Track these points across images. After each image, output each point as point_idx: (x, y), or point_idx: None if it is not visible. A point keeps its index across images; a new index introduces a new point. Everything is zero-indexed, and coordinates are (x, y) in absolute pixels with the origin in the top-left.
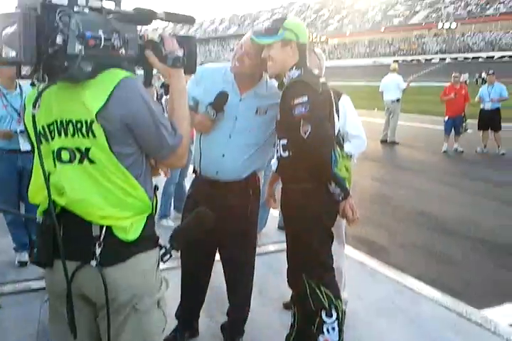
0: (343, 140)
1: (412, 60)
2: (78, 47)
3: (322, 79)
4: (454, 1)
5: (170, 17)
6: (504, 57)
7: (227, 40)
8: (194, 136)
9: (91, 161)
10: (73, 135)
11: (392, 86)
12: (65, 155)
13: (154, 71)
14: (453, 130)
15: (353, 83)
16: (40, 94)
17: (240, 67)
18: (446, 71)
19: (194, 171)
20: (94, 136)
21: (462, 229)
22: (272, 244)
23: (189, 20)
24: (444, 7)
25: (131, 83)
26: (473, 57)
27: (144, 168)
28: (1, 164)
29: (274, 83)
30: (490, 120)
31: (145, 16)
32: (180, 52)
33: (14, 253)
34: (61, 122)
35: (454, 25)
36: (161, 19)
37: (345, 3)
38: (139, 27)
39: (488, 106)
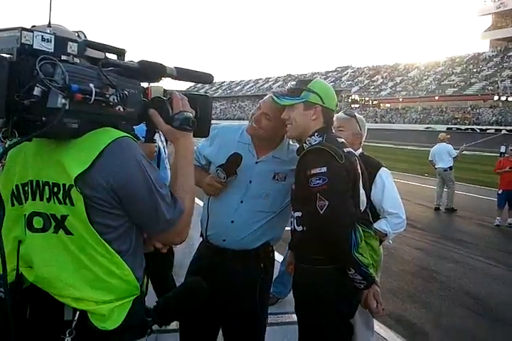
0: (378, 216)
1: (466, 129)
2: (61, 101)
3: (349, 149)
4: (511, 76)
5: (182, 74)
6: None
7: None
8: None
9: (68, 232)
10: (49, 199)
11: (444, 154)
12: (37, 222)
13: None
14: (507, 204)
15: (405, 147)
16: (5, 152)
17: (257, 128)
18: (502, 142)
19: (201, 235)
20: (71, 203)
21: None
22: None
23: (206, 79)
24: (501, 81)
25: (126, 145)
26: None
27: (134, 243)
28: None
29: (296, 147)
30: None
31: (151, 72)
32: (191, 113)
33: None
34: (37, 183)
35: (511, 98)
36: (171, 77)
37: (399, 72)
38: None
39: None
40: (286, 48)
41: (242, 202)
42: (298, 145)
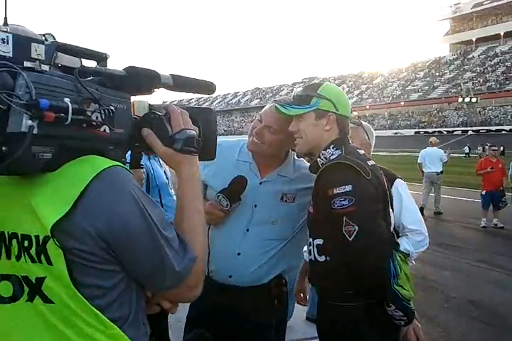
0: (397, 234)
1: (433, 132)
2: (26, 123)
3: (371, 161)
4: (472, 78)
5: (180, 84)
6: None
7: (249, 110)
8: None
9: (46, 299)
10: (18, 257)
11: (436, 159)
12: (5, 289)
13: None
14: (491, 204)
15: (376, 153)
16: None
17: (259, 143)
18: (470, 143)
19: None
20: (49, 261)
21: None
22: None
23: (207, 89)
24: (463, 83)
25: (117, 177)
26: (495, 130)
27: (135, 306)
28: None
29: (303, 163)
30: None
31: (142, 81)
32: (194, 131)
33: None
34: (1, 236)
35: (474, 99)
36: (166, 87)
37: (364, 79)
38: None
39: None
40: (251, 62)
41: (247, 230)
42: (303, 160)
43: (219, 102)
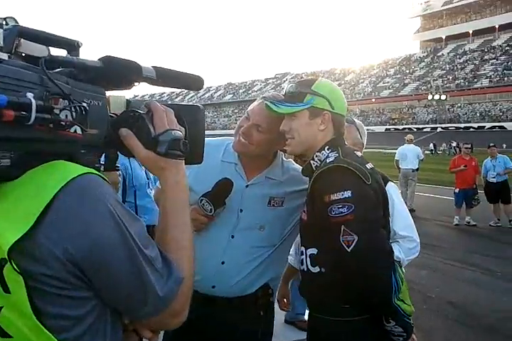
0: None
1: (403, 129)
2: None
3: (370, 164)
4: (442, 75)
5: (164, 77)
6: (495, 127)
7: (222, 106)
8: None
9: (3, 334)
10: None
11: (412, 156)
12: None
13: None
14: (464, 202)
15: None
16: None
17: (246, 143)
18: (438, 140)
19: None
20: (5, 288)
21: (500, 325)
22: None
23: (195, 83)
24: (433, 80)
25: (89, 187)
26: (464, 127)
27: (109, 338)
28: None
29: (292, 165)
30: (498, 193)
31: (121, 73)
32: (180, 132)
33: None
34: None
35: (443, 96)
36: (149, 81)
37: (336, 76)
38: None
39: (494, 179)
40: (224, 57)
41: (232, 236)
42: (292, 161)
43: (191, 97)
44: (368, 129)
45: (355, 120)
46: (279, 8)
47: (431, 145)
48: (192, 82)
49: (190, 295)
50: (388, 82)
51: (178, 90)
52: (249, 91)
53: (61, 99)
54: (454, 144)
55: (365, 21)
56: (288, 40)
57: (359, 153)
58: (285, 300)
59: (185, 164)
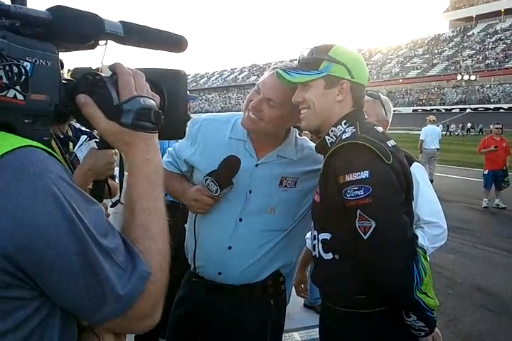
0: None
1: (431, 110)
2: None
3: (392, 141)
4: (472, 55)
5: (134, 35)
6: None
7: (246, 87)
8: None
9: None
10: None
11: (436, 136)
12: None
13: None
14: (493, 184)
15: None
16: None
17: (257, 119)
18: (467, 121)
19: (187, 265)
20: None
21: None
22: (297, 331)
23: (175, 44)
24: (463, 60)
25: (30, 163)
26: (494, 108)
27: None
28: None
29: (307, 142)
30: None
31: (77, 27)
32: (153, 100)
33: None
34: None
35: (473, 77)
36: (115, 39)
37: (363, 56)
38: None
39: None
40: (249, 38)
41: (240, 220)
42: (307, 139)
43: (215, 79)
44: (394, 110)
45: (381, 95)
46: None
47: (441, 126)
48: (169, 42)
49: (161, 294)
50: (416, 62)
51: (202, 72)
52: None
53: None
54: (469, 126)
55: (392, 0)
56: (313, 19)
57: (380, 129)
58: (302, 285)
59: (163, 139)
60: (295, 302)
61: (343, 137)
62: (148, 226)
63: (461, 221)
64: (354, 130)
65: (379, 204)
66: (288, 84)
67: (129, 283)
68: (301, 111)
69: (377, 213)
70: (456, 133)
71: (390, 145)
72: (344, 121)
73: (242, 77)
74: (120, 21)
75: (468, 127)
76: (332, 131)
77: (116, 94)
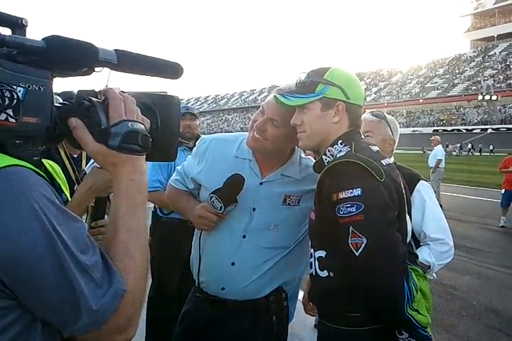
0: (417, 244)
1: (452, 130)
2: None
3: (388, 160)
4: (493, 75)
5: (127, 62)
6: None
7: None
8: None
9: None
10: None
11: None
12: None
13: None
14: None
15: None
16: None
17: (261, 139)
18: (489, 141)
19: (192, 280)
20: None
21: None
22: None
23: (170, 71)
24: (484, 80)
25: (13, 181)
26: None
27: None
28: None
29: (311, 162)
30: None
31: (70, 55)
32: (142, 124)
33: None
34: None
35: (494, 97)
36: (110, 66)
37: (382, 77)
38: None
39: None
40: (269, 59)
41: (244, 236)
42: (311, 158)
43: (235, 99)
44: (415, 130)
45: (386, 115)
46: (326, 7)
47: (449, 147)
48: (164, 69)
49: (136, 310)
50: (437, 83)
51: (222, 93)
52: None
53: None
54: (469, 146)
55: (412, 21)
56: (334, 40)
57: (375, 148)
58: (311, 303)
59: (155, 160)
60: (306, 324)
61: (338, 156)
62: (128, 245)
63: (477, 241)
64: (349, 149)
65: (370, 221)
66: (287, 107)
67: (103, 298)
68: (298, 133)
69: (369, 230)
70: (455, 154)
71: (384, 164)
72: (340, 140)
73: (262, 98)
74: (115, 49)
75: (469, 147)
76: (329, 151)
77: (105, 118)
